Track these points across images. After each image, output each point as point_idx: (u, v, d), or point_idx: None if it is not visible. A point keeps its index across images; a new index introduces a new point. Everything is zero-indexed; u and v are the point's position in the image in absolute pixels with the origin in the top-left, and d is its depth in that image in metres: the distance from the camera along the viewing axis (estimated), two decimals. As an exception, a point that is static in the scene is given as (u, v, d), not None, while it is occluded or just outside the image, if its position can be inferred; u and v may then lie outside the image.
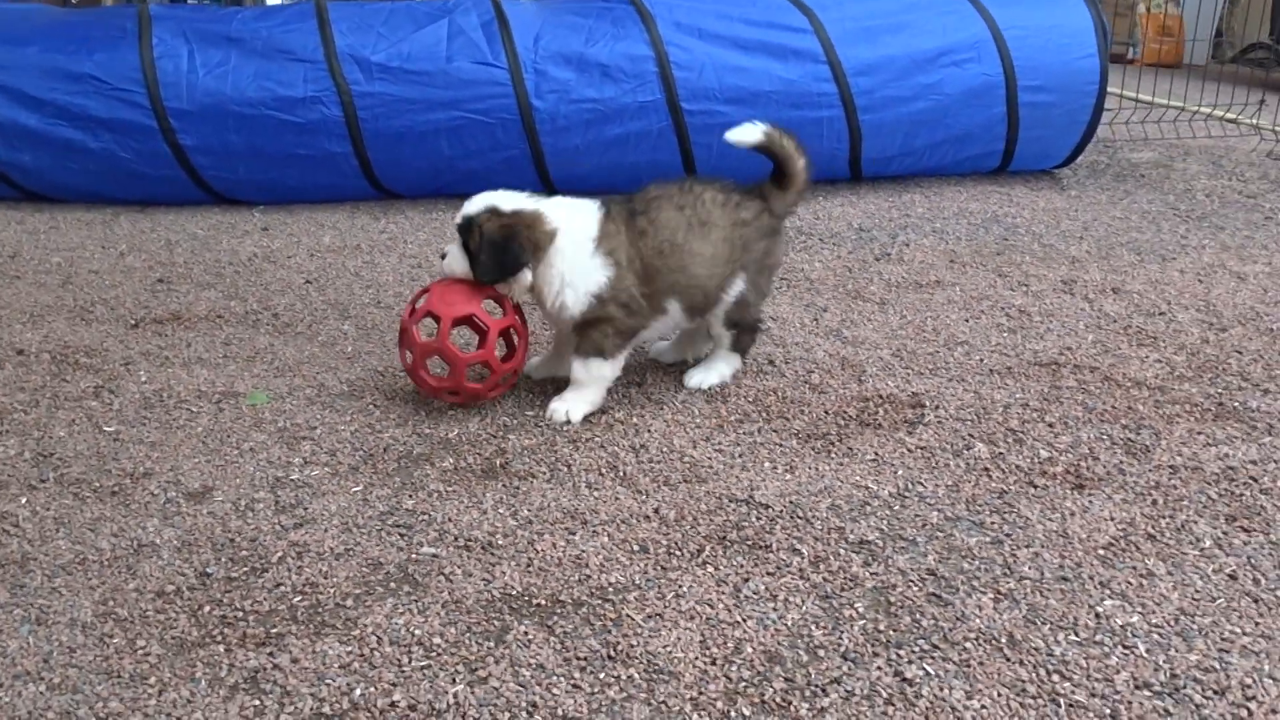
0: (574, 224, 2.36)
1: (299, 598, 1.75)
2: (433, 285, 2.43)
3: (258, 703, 1.50)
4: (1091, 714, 1.44)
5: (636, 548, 1.89)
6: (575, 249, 2.35)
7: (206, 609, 1.72)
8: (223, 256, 3.64)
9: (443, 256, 2.44)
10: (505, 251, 2.31)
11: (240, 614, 1.71)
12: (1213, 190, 4.65)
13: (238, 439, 2.31)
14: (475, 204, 2.37)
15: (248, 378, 2.64)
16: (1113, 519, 1.95)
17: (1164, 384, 2.58)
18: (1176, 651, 1.57)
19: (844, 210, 4.24)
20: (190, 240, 3.82)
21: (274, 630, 1.66)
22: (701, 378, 2.58)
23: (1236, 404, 2.46)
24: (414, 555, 1.87)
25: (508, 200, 2.36)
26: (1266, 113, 6.20)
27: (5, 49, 3.97)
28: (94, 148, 3.96)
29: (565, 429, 2.36)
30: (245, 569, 1.83)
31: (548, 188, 4.30)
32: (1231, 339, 2.88)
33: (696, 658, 1.58)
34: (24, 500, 2.05)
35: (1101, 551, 1.84)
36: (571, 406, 2.41)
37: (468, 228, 2.34)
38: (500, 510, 2.02)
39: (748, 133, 2.50)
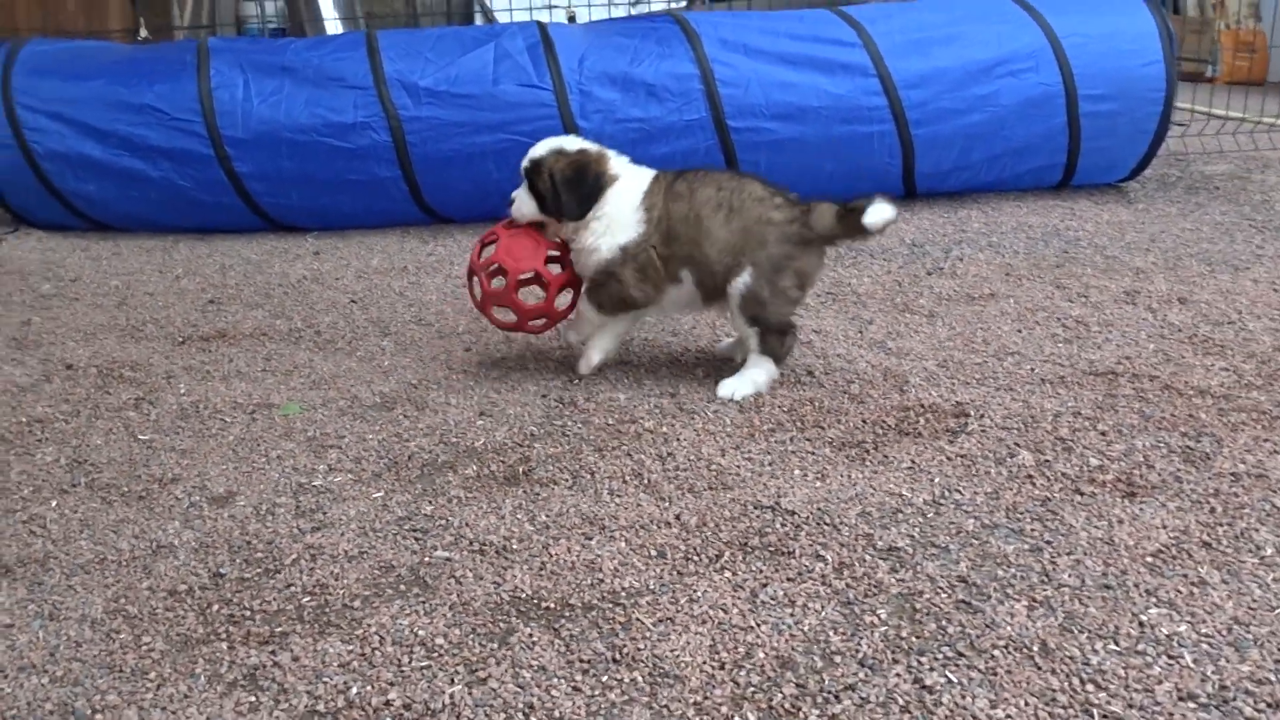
0: (630, 177, 2.53)
1: (308, 598, 1.72)
2: (500, 233, 2.60)
3: (253, 699, 1.47)
4: (1127, 725, 1.33)
5: (654, 553, 1.82)
6: (625, 199, 2.49)
7: (215, 607, 1.70)
8: (273, 279, 3.70)
9: (510, 203, 2.58)
10: (582, 184, 2.47)
11: (248, 613, 1.69)
12: (1291, 201, 4.43)
13: (267, 447, 2.31)
14: (541, 148, 2.54)
15: (284, 390, 2.65)
16: (1165, 526, 1.83)
17: (1229, 392, 2.43)
18: (1227, 662, 1.44)
19: (896, 226, 4.14)
20: (244, 264, 3.89)
21: (279, 629, 1.64)
22: (734, 387, 2.53)
23: (1308, 410, 2.30)
24: (427, 558, 1.83)
25: (572, 142, 2.55)
26: (1352, 124, 5.93)
27: (72, 84, 4.12)
28: (154, 176, 4.08)
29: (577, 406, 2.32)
30: (259, 570, 1.81)
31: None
32: (1306, 346, 2.71)
33: (705, 662, 1.51)
34: (54, 504, 2.07)
35: (1150, 559, 1.72)
36: (575, 334, 2.66)
37: (536, 170, 2.51)
38: (518, 516, 1.97)
39: (881, 215, 2.38)
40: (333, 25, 6.20)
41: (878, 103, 4.08)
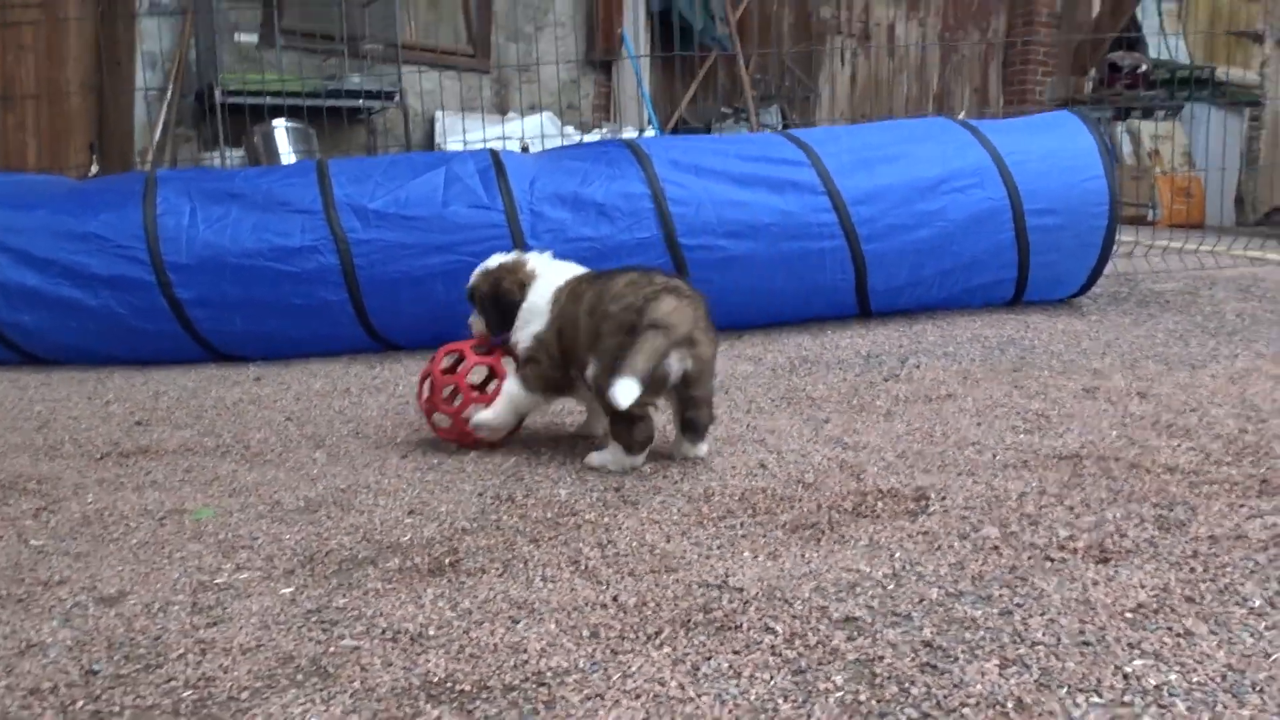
0: (548, 275, 2.72)
1: (189, 692, 1.51)
2: (464, 345, 2.82)
3: (104, 797, 1.25)
4: (1118, 777, 1.15)
5: (586, 633, 1.64)
6: (539, 295, 2.68)
7: (79, 704, 1.49)
8: (207, 402, 3.55)
9: (470, 325, 2.85)
10: (498, 301, 2.71)
11: (115, 709, 1.47)
12: (1243, 311, 4.45)
13: (171, 549, 2.12)
14: (477, 269, 2.81)
15: (200, 498, 2.47)
16: (1143, 586, 1.67)
17: (1199, 468, 2.32)
18: (1224, 708, 1.27)
19: (851, 340, 4.09)
20: (179, 390, 3.74)
21: (148, 724, 1.42)
22: (591, 456, 2.58)
23: (1283, 480, 2.18)
24: (332, 648, 1.63)
25: (496, 259, 2.80)
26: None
27: (15, 213, 4.06)
28: (93, 305, 3.97)
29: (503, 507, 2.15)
30: (138, 666, 1.60)
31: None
32: (1273, 428, 2.62)
33: (636, 736, 1.31)
34: (-79, 609, 1.86)
35: (1129, 614, 1.56)
36: (490, 415, 2.70)
37: (471, 295, 2.80)
38: (439, 604, 1.79)
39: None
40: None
41: (828, 219, 4.10)
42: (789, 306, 4.29)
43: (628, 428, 2.47)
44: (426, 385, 2.81)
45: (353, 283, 3.98)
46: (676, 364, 2.42)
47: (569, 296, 2.64)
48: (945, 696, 1.35)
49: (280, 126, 6.65)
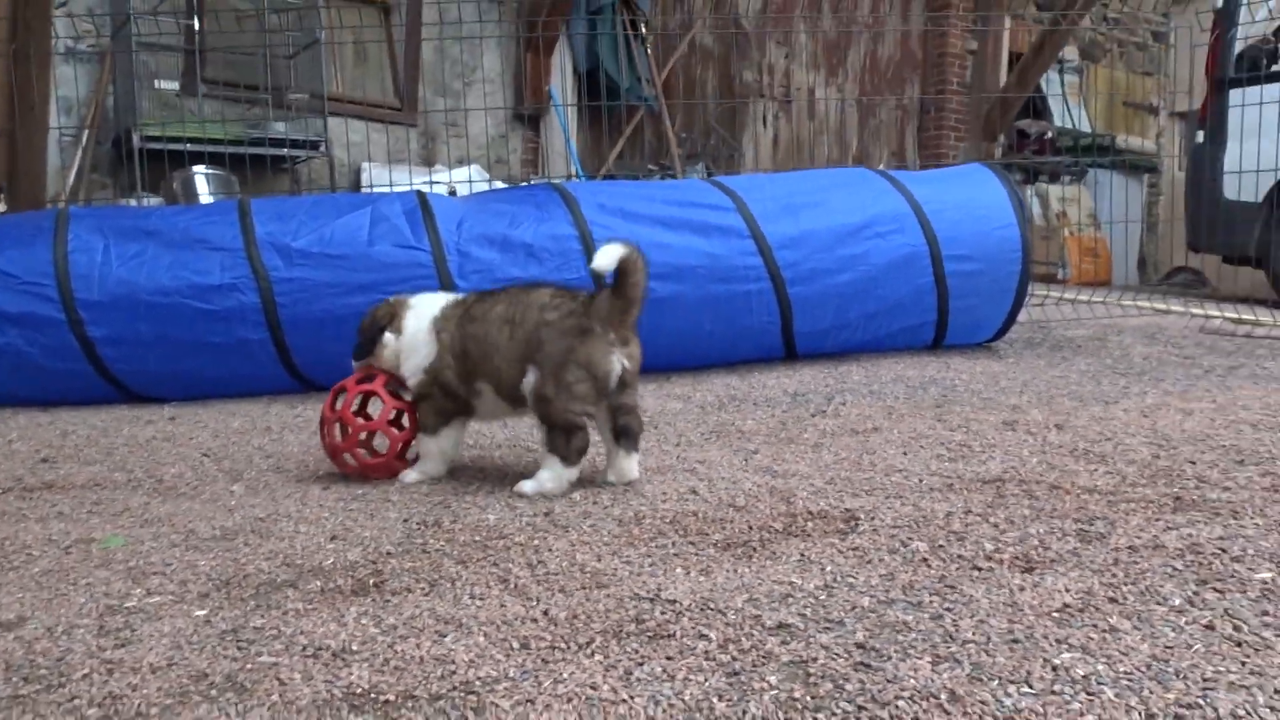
0: (423, 306, 2.72)
1: (93, 709, 1.43)
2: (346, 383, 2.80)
3: (-3, 812, 1.17)
4: (1053, 754, 1.15)
5: (516, 645, 1.60)
6: (417, 326, 2.68)
7: (-28, 724, 1.39)
8: (119, 440, 3.42)
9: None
10: (363, 330, 2.78)
11: (13, 728, 1.38)
12: (1150, 355, 4.62)
13: (77, 576, 2.02)
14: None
15: (109, 528, 2.36)
16: (1068, 590, 1.70)
17: (1116, 489, 2.38)
18: (1151, 693, 1.28)
19: (778, 380, 4.14)
20: (89, 429, 3.60)
21: (48, 740, 1.34)
22: (521, 484, 2.55)
23: (1195, 497, 2.25)
24: (249, 665, 1.56)
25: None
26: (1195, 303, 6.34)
27: (-86, 250, 3.91)
28: (-1, 343, 3.82)
29: (432, 531, 2.10)
30: (38, 687, 1.51)
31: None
32: (1184, 454, 2.71)
33: (569, 736, 1.28)
34: None
35: (1056, 614, 1.58)
36: (414, 472, 2.72)
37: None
38: (363, 621, 1.73)
39: (609, 255, 2.49)
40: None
41: (753, 262, 4.17)
42: (716, 348, 4.32)
43: (565, 438, 2.49)
44: (337, 429, 2.76)
45: (274, 320, 3.90)
46: (617, 363, 2.50)
47: (461, 320, 2.65)
48: (879, 691, 1.34)
49: (200, 172, 6.54)
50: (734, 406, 3.68)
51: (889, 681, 1.36)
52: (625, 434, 2.56)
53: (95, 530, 2.34)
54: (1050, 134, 10.94)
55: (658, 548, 2.08)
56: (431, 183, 5.93)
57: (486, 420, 2.95)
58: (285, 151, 7.07)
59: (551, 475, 2.51)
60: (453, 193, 5.76)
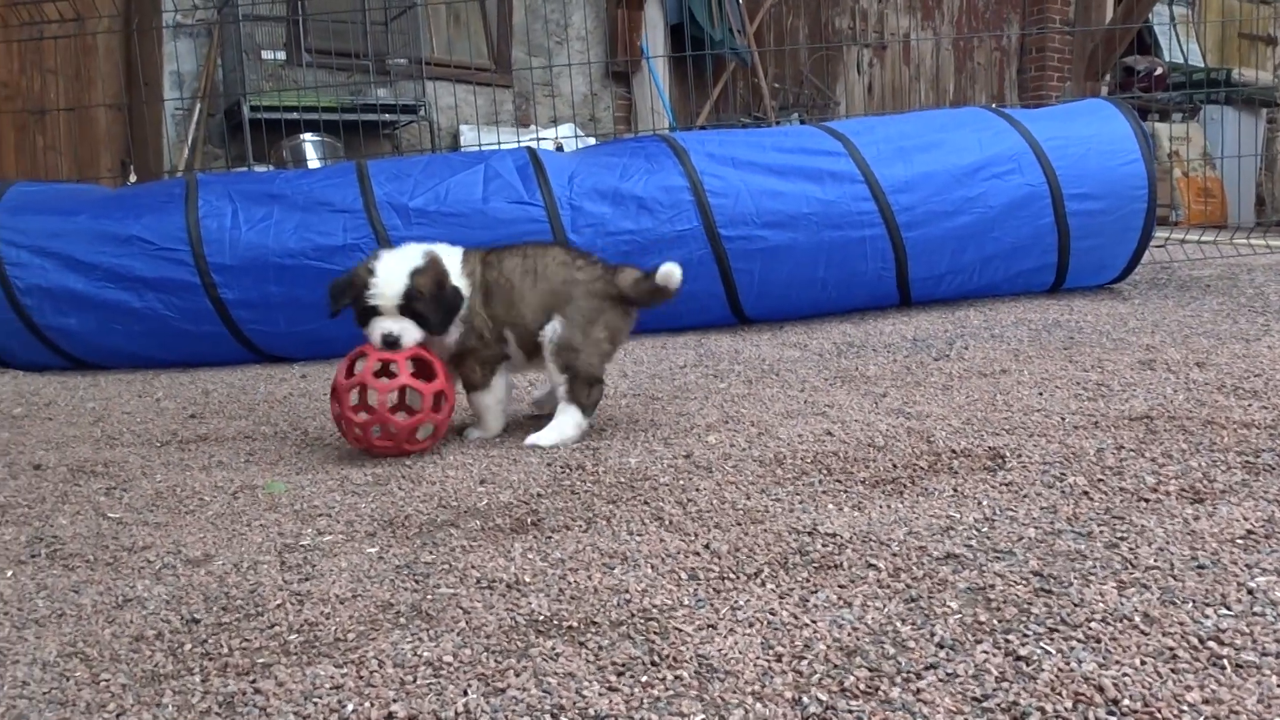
0: (446, 255, 2.63)
1: (294, 635, 1.51)
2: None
3: (229, 723, 1.25)
4: (1268, 671, 1.13)
5: (684, 576, 1.63)
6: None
7: (188, 647, 1.48)
8: (258, 397, 3.55)
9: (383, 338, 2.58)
10: (441, 296, 2.57)
11: (225, 650, 1.46)
12: (1285, 293, 4.42)
13: (249, 518, 2.12)
14: (396, 271, 2.54)
15: (269, 475, 2.47)
16: (1245, 519, 1.65)
17: (1276, 423, 2.30)
18: (1360, 614, 1.25)
19: (895, 326, 4.09)
20: (227, 388, 3.75)
21: (260, 661, 1.42)
22: (537, 437, 2.59)
23: (1364, 429, 2.16)
24: (429, 596, 1.63)
25: (392, 261, 2.58)
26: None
27: (57, 219, 4.09)
28: (138, 307, 3.98)
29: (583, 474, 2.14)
30: (238, 615, 1.60)
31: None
32: (1341, 388, 2.60)
33: (758, 657, 1.30)
34: (9, 573, 1.85)
35: (1240, 541, 1.54)
36: (482, 433, 2.73)
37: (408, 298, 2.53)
38: (530, 555, 1.78)
39: (674, 276, 2.61)
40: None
41: (867, 208, 4.10)
42: (829, 296, 4.28)
43: (587, 389, 2.60)
44: (354, 395, 2.56)
45: (396, 280, 3.98)
46: (626, 337, 2.76)
47: (484, 265, 2.66)
48: (1068, 614, 1.33)
49: (307, 140, 6.70)
50: (853, 353, 3.65)
51: (1076, 605, 1.35)
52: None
53: (255, 478, 2.44)
54: (1160, 70, 10.47)
55: (805, 485, 2.09)
56: (538, 139, 5.98)
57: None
58: (385, 117, 7.19)
59: (573, 423, 2.59)
60: (559, 148, 5.79)
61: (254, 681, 1.35)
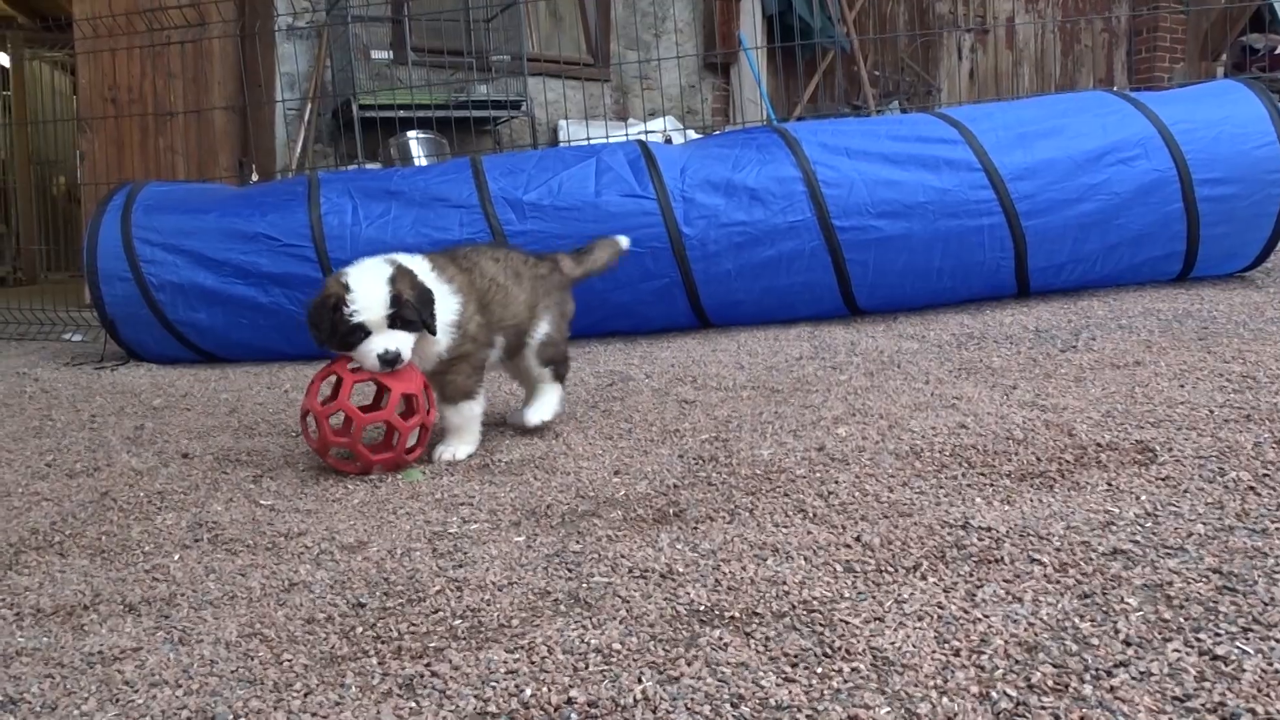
0: (406, 261, 2.46)
1: (459, 621, 1.54)
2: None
3: (413, 704, 1.28)
4: None
5: (840, 569, 1.62)
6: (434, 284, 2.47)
7: (359, 630, 1.53)
8: (382, 388, 3.64)
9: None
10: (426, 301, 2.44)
11: (395, 634, 1.51)
12: None
13: (394, 506, 2.17)
14: (373, 282, 2.37)
15: (408, 465, 2.53)
16: None
17: None
18: None
19: (1015, 317, 3.99)
20: (351, 379, 3.85)
21: (432, 645, 1.45)
22: (538, 413, 2.71)
23: None
24: (585, 584, 1.65)
25: (373, 269, 2.43)
26: None
27: (188, 217, 4.25)
28: (265, 302, 4.12)
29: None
30: (401, 600, 1.64)
31: (700, 318, 4.23)
32: None
33: (934, 651, 1.29)
34: (176, 557, 1.94)
35: None
36: (457, 449, 2.56)
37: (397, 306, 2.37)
38: (678, 546, 1.79)
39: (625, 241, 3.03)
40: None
41: (985, 196, 4.01)
42: (945, 286, 4.20)
43: (565, 371, 2.83)
44: (310, 421, 2.49)
45: (511, 273, 4.03)
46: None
47: (455, 266, 2.56)
48: (1260, 613, 1.28)
49: (414, 137, 6.83)
50: (974, 344, 3.57)
51: (1266, 605, 1.30)
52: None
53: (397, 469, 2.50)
54: (1281, 48, 9.99)
55: (947, 479, 2.05)
56: (646, 132, 5.98)
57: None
58: (489, 113, 7.28)
59: (560, 399, 2.79)
60: (668, 140, 5.80)
61: (429, 665, 1.38)
